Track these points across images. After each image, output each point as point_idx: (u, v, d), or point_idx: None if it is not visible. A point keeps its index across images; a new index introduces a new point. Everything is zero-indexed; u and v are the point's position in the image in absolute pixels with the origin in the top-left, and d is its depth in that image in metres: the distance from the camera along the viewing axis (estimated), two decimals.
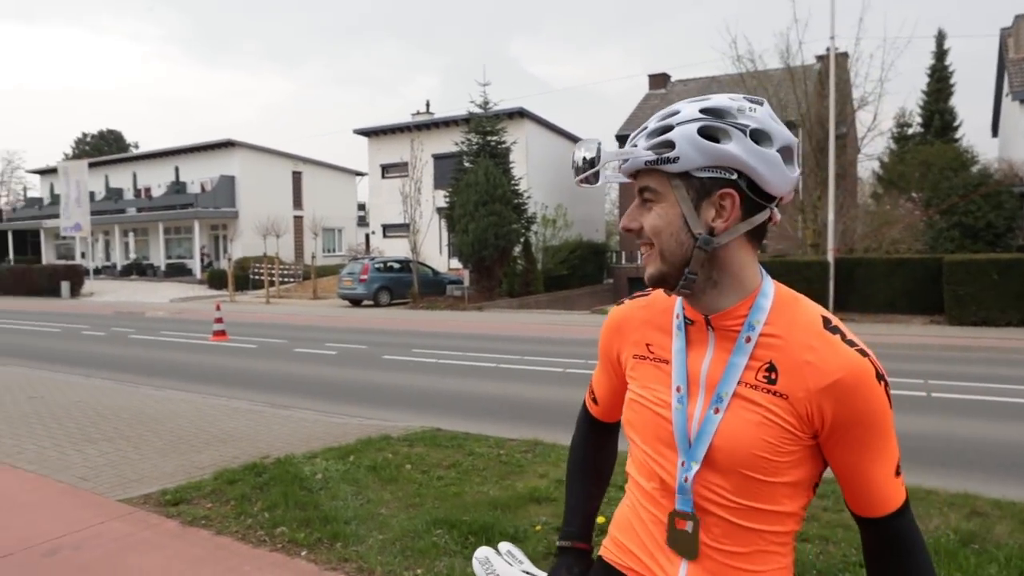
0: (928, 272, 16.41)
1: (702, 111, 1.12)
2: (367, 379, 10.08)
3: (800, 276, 16.84)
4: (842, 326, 1.13)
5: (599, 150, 1.14)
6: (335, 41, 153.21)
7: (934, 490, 4.61)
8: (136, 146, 65.30)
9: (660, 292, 1.28)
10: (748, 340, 1.13)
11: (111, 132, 67.18)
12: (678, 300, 1.24)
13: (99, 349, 13.95)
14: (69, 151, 64.45)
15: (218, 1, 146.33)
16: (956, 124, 34.90)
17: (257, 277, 31.24)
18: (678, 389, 1.18)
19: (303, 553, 3.80)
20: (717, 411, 1.13)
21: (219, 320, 15.29)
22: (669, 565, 1.19)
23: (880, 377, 1.08)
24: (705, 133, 1.09)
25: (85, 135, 66.68)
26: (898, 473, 1.13)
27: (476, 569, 1.51)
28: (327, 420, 7.08)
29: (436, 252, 31.18)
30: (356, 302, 25.13)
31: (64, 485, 5.02)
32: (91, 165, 41.06)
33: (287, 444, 5.98)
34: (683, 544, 1.17)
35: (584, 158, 1.15)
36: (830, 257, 17.12)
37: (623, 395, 1.32)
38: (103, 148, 62.02)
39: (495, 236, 23.11)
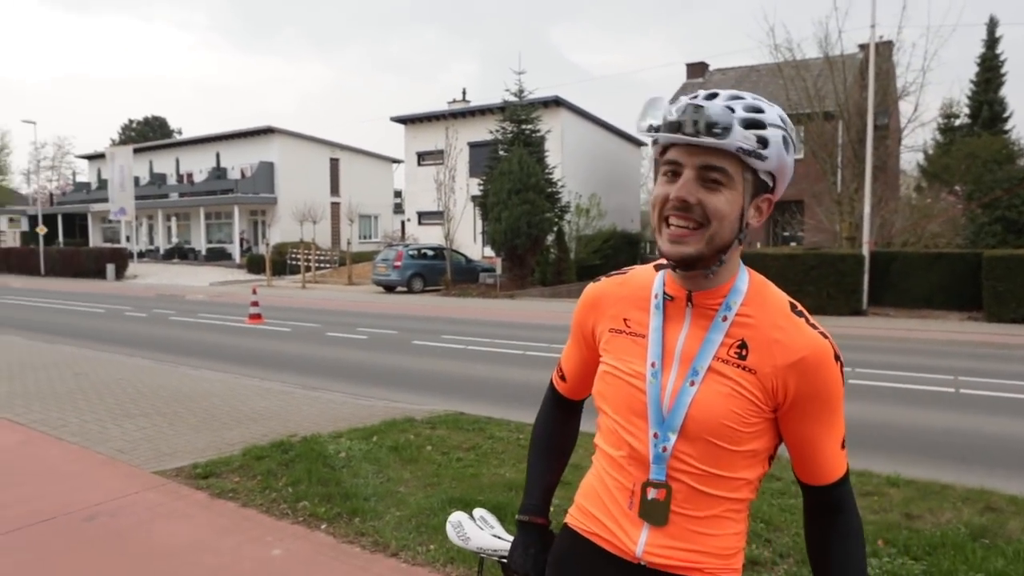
0: (967, 267, 16.07)
1: (782, 119, 1.19)
2: (396, 363, 10.29)
3: (833, 269, 16.62)
4: (805, 312, 1.26)
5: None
6: (374, 27, 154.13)
7: (950, 485, 4.61)
8: (179, 132, 66.73)
9: (637, 271, 1.35)
10: (725, 319, 1.22)
11: (156, 118, 68.69)
12: (657, 278, 1.30)
13: (141, 330, 14.41)
14: (116, 137, 66.12)
15: None
16: (1006, 115, 33.85)
17: (294, 262, 31.80)
18: (653, 364, 1.24)
19: (323, 526, 3.98)
20: (693, 383, 1.21)
21: (255, 304, 15.66)
22: (632, 529, 1.24)
23: (837, 358, 1.21)
24: (785, 143, 1.18)
25: (131, 121, 68.29)
26: (843, 447, 1.26)
27: (449, 532, 1.57)
28: (354, 402, 7.27)
29: (470, 240, 31.36)
30: (390, 288, 25.44)
31: (103, 456, 5.28)
32: (136, 151, 42.15)
33: (314, 424, 6.18)
34: (655, 512, 1.22)
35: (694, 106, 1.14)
36: (865, 251, 16.85)
37: (592, 371, 1.37)
38: (148, 134, 63.47)
39: (528, 225, 23.17)
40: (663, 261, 1.28)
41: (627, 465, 1.26)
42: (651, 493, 1.22)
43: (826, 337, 1.21)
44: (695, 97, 1.16)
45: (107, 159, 39.21)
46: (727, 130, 1.11)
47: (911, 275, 16.91)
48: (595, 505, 1.32)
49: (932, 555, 3.43)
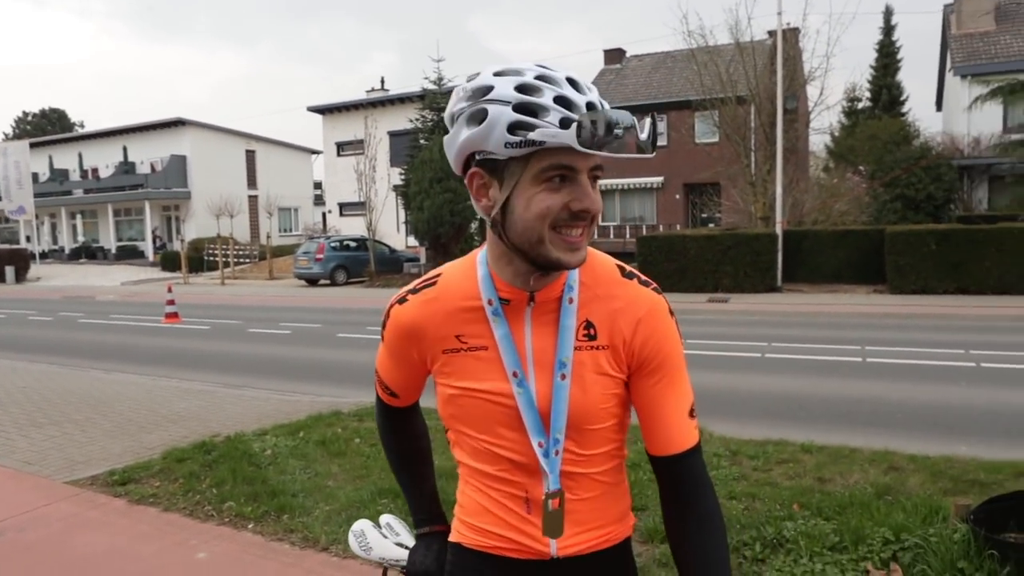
0: (872, 243, 16.93)
1: None
2: (321, 357, 10.11)
3: (749, 248, 17.23)
4: (635, 271, 1.23)
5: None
6: (290, 18, 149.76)
7: (858, 448, 4.88)
8: (82, 125, 63.24)
9: (446, 279, 1.22)
10: (571, 301, 1.17)
11: (54, 111, 64.92)
12: (481, 283, 1.18)
13: (46, 334, 13.67)
14: (9, 131, 62.16)
15: None
16: (903, 99, 35.78)
17: (211, 258, 30.70)
18: (515, 374, 1.16)
19: (250, 526, 3.90)
20: (564, 377, 1.16)
21: (171, 302, 15.08)
22: (534, 529, 1.21)
23: (672, 312, 1.20)
24: None
25: (26, 114, 64.37)
26: (692, 415, 1.21)
27: (351, 541, 1.51)
28: (279, 398, 7.12)
29: (393, 230, 31.00)
30: (312, 281, 24.93)
31: (8, 470, 5.01)
32: (33, 145, 39.64)
33: (238, 423, 6.02)
34: (554, 524, 1.20)
35: (649, 131, 1.05)
36: (778, 230, 17.53)
37: (422, 378, 1.32)
38: (46, 128, 59.93)
39: (451, 213, 23.08)
40: (478, 257, 1.21)
41: (511, 476, 1.21)
42: (549, 506, 1.19)
43: (659, 293, 1.20)
44: (560, 98, 1.02)
45: None
46: (628, 129, 1.02)
47: (821, 252, 17.70)
48: (487, 520, 1.25)
49: (842, 514, 3.62)
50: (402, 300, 1.25)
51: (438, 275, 1.25)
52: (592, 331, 1.17)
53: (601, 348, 1.17)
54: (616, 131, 1.01)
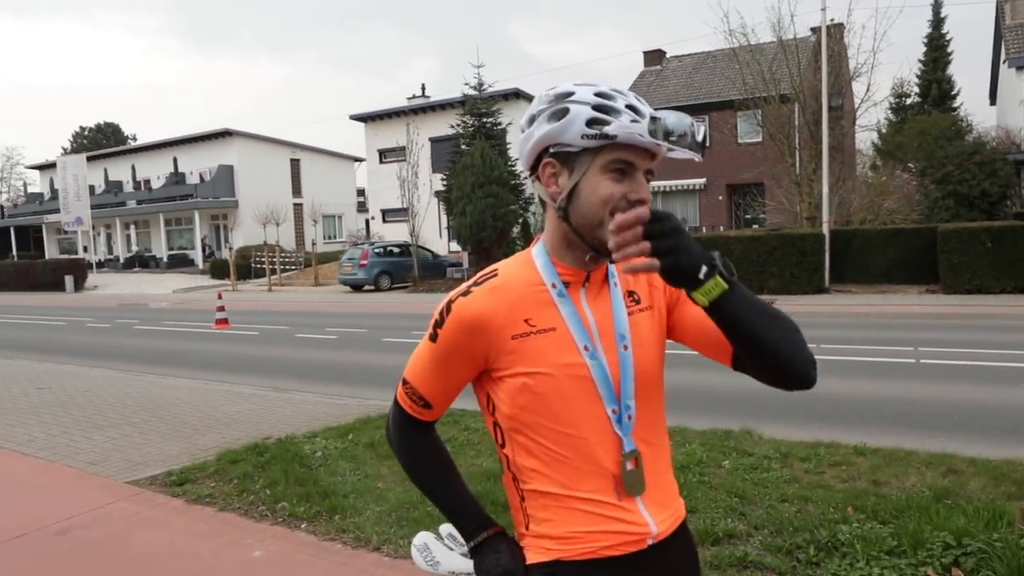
0: (923, 242, 16.49)
1: None
2: (367, 362, 10.25)
3: (795, 249, 16.93)
4: None
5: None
6: (330, 27, 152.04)
7: (914, 451, 4.75)
8: (134, 138, 65.25)
9: (507, 270, 1.30)
10: (616, 284, 1.33)
11: (108, 125, 67.16)
12: (542, 270, 1.29)
13: (104, 340, 14.13)
14: (67, 145, 64.52)
15: None
16: (954, 93, 34.79)
17: (258, 265, 31.38)
18: (586, 348, 1.26)
19: (303, 526, 3.98)
20: (626, 348, 1.29)
21: (221, 308, 15.44)
22: (630, 514, 1.25)
23: None
24: None
25: (83, 129, 66.69)
26: None
27: (415, 557, 1.44)
28: (327, 402, 7.24)
29: (435, 235, 31.26)
30: (357, 287, 25.27)
31: (73, 470, 5.20)
32: (90, 159, 41.10)
33: (288, 425, 6.14)
34: (634, 482, 1.25)
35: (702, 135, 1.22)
36: (825, 229, 17.19)
37: (462, 388, 1.33)
38: (101, 141, 62.03)
39: (493, 218, 23.18)
40: (534, 250, 1.32)
41: (594, 460, 1.24)
42: (628, 465, 1.25)
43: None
44: (631, 107, 1.20)
45: (58, 168, 38.20)
46: (682, 136, 1.20)
47: (870, 252, 17.30)
48: (579, 521, 1.25)
49: (899, 518, 3.54)
50: (465, 293, 1.28)
51: (495, 269, 1.32)
52: (636, 296, 1.34)
53: (647, 309, 1.34)
54: (672, 137, 1.19)
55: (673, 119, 1.19)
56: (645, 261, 1.12)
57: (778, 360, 1.23)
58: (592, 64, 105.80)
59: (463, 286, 1.30)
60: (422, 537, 1.45)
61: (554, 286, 1.28)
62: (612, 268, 1.33)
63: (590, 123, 1.20)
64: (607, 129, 1.18)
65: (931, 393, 6.90)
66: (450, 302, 1.28)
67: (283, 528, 3.97)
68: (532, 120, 1.27)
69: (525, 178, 26.40)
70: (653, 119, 1.19)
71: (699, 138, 1.20)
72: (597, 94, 1.22)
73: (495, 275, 1.30)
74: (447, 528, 1.45)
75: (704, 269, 1.16)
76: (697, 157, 1.23)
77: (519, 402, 1.24)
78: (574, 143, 1.21)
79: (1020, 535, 3.13)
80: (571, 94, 1.23)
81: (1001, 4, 27.76)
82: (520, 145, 1.30)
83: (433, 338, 1.29)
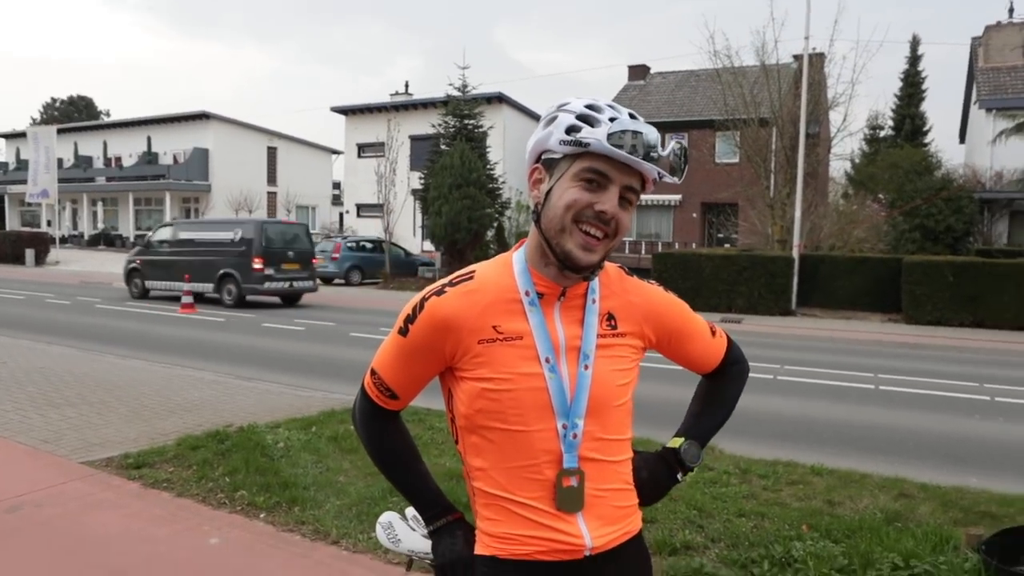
0: (889, 271, 16.86)
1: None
2: (333, 355, 10.18)
3: (765, 271, 17.19)
4: (629, 271, 1.45)
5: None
6: (318, 18, 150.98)
7: (868, 474, 4.87)
8: (107, 114, 64.05)
9: (484, 274, 1.31)
10: (594, 301, 1.34)
11: (82, 98, 65.78)
12: (519, 277, 1.30)
13: (64, 317, 13.82)
14: (37, 116, 63.04)
15: None
16: (926, 129, 35.63)
17: None
18: (547, 360, 1.27)
19: (262, 515, 3.94)
20: (587, 367, 1.30)
21: (188, 292, 15.22)
22: (567, 525, 1.27)
23: (667, 290, 1.47)
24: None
25: (54, 100, 65.27)
26: (714, 333, 1.53)
27: (378, 534, 1.49)
28: (292, 393, 7.18)
29: (409, 233, 31.14)
30: (327, 280, 25.03)
31: (26, 447, 5.09)
32: (60, 131, 40.12)
33: (251, 414, 6.08)
34: (570, 499, 1.27)
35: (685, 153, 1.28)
36: (795, 253, 17.49)
37: (429, 381, 1.36)
38: (73, 115, 60.73)
39: (468, 220, 23.17)
40: (514, 256, 1.34)
41: (541, 469, 1.26)
42: (566, 481, 1.26)
43: (651, 282, 1.45)
44: (615, 119, 1.22)
45: (29, 139, 37.24)
46: (661, 156, 1.22)
47: (837, 278, 17.63)
48: (517, 525, 1.28)
49: (851, 538, 3.63)
50: (439, 292, 1.30)
51: (472, 271, 1.34)
52: (613, 322, 1.35)
53: (621, 335, 1.36)
54: (652, 154, 1.21)
55: (653, 135, 1.22)
56: None
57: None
58: (577, 74, 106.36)
59: (438, 284, 1.33)
60: (387, 516, 1.50)
61: (527, 294, 1.30)
62: (593, 285, 1.34)
63: (569, 130, 1.22)
64: (580, 136, 1.21)
65: (888, 419, 7.06)
66: (423, 299, 1.31)
67: (241, 517, 3.93)
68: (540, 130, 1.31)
69: (503, 182, 26.51)
70: (634, 133, 1.20)
71: (674, 156, 1.25)
72: (587, 106, 1.25)
73: (471, 277, 1.32)
74: (412, 511, 1.49)
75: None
76: (672, 178, 1.28)
77: (476, 405, 1.27)
78: (556, 149, 1.25)
79: (964, 559, 3.23)
80: (566, 104, 1.27)
81: (975, 47, 28.57)
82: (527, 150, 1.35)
83: (403, 332, 1.32)
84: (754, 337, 13.72)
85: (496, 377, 1.25)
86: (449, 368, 1.32)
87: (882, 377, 9.28)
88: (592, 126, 1.21)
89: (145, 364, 8.61)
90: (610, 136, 1.19)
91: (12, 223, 44.62)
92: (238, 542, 3.60)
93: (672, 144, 1.26)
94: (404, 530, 1.48)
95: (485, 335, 1.26)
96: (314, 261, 17.86)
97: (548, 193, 1.25)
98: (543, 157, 1.28)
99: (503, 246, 25.57)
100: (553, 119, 1.25)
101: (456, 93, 26.22)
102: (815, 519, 3.91)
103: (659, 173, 1.24)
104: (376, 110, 33.83)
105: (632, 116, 1.25)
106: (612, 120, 1.21)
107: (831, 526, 3.79)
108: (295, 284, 16.67)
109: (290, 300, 17.25)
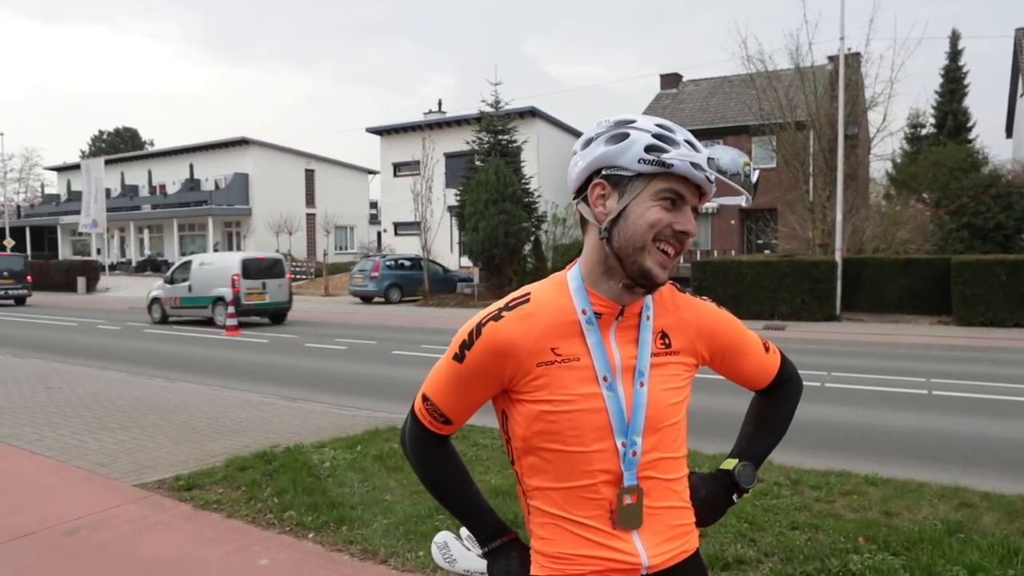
0: (936, 272, 16.40)
1: None
2: (376, 373, 10.25)
3: (807, 276, 16.87)
4: (681, 287, 1.45)
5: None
6: (350, 40, 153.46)
7: (926, 483, 4.71)
8: (151, 144, 65.99)
9: (538, 296, 1.31)
10: (648, 318, 1.34)
11: (127, 130, 67.91)
12: (575, 297, 1.30)
13: (114, 343, 14.20)
14: (86, 149, 65.27)
15: (236, 0, 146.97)
16: (970, 125, 34.74)
17: None
18: (605, 379, 1.27)
19: (310, 535, 3.97)
20: (642, 385, 1.30)
21: (232, 315, 15.51)
22: (623, 544, 1.27)
23: (720, 305, 1.46)
24: None
25: (101, 132, 67.48)
26: (767, 349, 1.51)
27: (434, 554, 1.51)
28: (336, 412, 7.24)
29: (447, 250, 31.35)
30: (367, 299, 25.34)
31: (82, 471, 5.21)
32: (107, 162, 41.49)
33: (297, 434, 6.14)
34: (630, 517, 1.27)
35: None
36: (838, 257, 17.13)
37: (482, 405, 1.35)
38: (119, 146, 62.70)
39: (505, 234, 23.22)
40: (569, 274, 1.34)
41: (599, 488, 1.27)
42: (626, 500, 1.27)
43: (705, 298, 1.45)
44: (690, 142, 1.27)
45: (82, 170, 38.55)
46: (735, 176, 1.31)
47: (882, 281, 17.22)
48: (573, 544, 1.29)
49: (911, 550, 3.51)
50: (496, 317, 1.29)
51: (527, 293, 1.33)
52: (667, 340, 1.35)
53: (675, 353, 1.36)
54: (725, 175, 1.30)
55: (727, 158, 1.28)
56: None
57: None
58: (609, 86, 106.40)
59: (493, 308, 1.31)
60: (442, 536, 1.51)
61: (584, 312, 1.30)
62: (648, 301, 1.34)
63: (649, 149, 1.23)
64: (665, 157, 1.22)
65: (943, 425, 6.83)
66: (480, 324, 1.29)
67: (290, 537, 3.96)
68: (588, 143, 1.30)
69: (538, 196, 26.54)
70: (710, 157, 1.25)
71: (753, 179, 1.30)
72: (659, 124, 1.27)
73: (527, 300, 1.30)
74: (467, 531, 1.49)
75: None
76: (745, 201, 1.32)
77: (534, 427, 1.27)
78: (630, 167, 1.25)
79: None
80: (632, 121, 1.27)
81: (1019, 38, 27.78)
82: (570, 168, 1.34)
83: (459, 358, 1.31)
84: (799, 344, 13.45)
85: (555, 399, 1.26)
86: (504, 391, 1.32)
87: (935, 382, 9.01)
88: (672, 147, 1.24)
89: (193, 386, 8.78)
90: (693, 157, 1.23)
91: (64, 252, 46.16)
92: (288, 563, 3.63)
93: (739, 163, 1.33)
94: (459, 550, 1.48)
95: (544, 357, 1.27)
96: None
97: (623, 211, 1.25)
98: (606, 172, 1.27)
99: (540, 260, 25.57)
100: (623, 136, 1.25)
101: (489, 109, 26.39)
102: (872, 531, 3.79)
103: (748, 197, 1.32)
104: (410, 129, 34.23)
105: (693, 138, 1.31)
106: (686, 142, 1.25)
107: (889, 538, 3.67)
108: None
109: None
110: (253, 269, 17.03)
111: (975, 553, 3.37)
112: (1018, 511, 4.11)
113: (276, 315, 17.96)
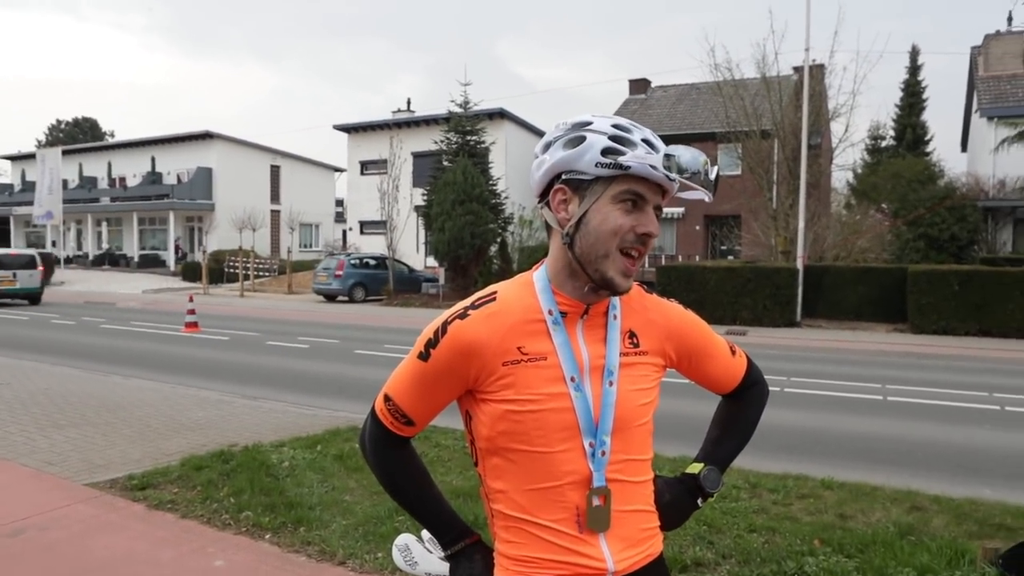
0: (893, 281, 16.80)
1: None
2: (338, 372, 10.14)
3: (769, 282, 17.14)
4: (648, 288, 1.44)
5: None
6: (320, 36, 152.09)
7: (880, 486, 4.81)
8: (112, 135, 64.38)
9: (505, 295, 1.29)
10: (615, 317, 1.33)
11: (86, 120, 66.21)
12: (541, 297, 1.28)
13: (68, 338, 13.83)
14: (42, 138, 63.46)
15: None
16: (927, 138, 35.70)
17: (232, 270, 31.01)
18: (572, 379, 1.25)
19: (267, 536, 3.90)
20: (611, 384, 1.29)
21: (191, 312, 15.22)
22: (589, 548, 1.26)
23: (687, 308, 1.46)
24: None
25: (59, 122, 65.67)
26: (733, 352, 1.51)
27: (395, 556, 1.48)
28: (296, 411, 7.15)
29: (413, 250, 31.17)
30: (331, 297, 25.07)
31: (30, 469, 5.06)
32: (65, 153, 40.50)
33: (255, 433, 6.04)
34: (599, 519, 1.26)
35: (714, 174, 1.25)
36: (799, 264, 17.45)
37: (445, 407, 1.34)
38: (77, 136, 61.12)
39: (471, 235, 23.18)
40: (535, 275, 1.31)
41: (565, 491, 1.25)
42: (594, 501, 1.25)
43: (671, 300, 1.45)
44: (647, 140, 1.23)
45: (37, 160, 37.55)
46: (695, 174, 1.23)
47: (842, 288, 17.58)
48: (538, 549, 1.27)
49: (864, 552, 3.57)
50: (463, 315, 1.27)
51: (494, 292, 1.31)
52: (635, 339, 1.34)
53: (643, 353, 1.35)
54: (685, 174, 1.23)
55: (687, 156, 1.22)
56: None
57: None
58: (578, 89, 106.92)
59: (459, 307, 1.29)
60: (404, 538, 1.48)
61: (550, 312, 1.28)
62: (615, 301, 1.33)
63: (605, 152, 1.21)
64: (622, 159, 1.20)
65: (897, 430, 6.99)
66: (446, 323, 1.27)
67: (246, 538, 3.89)
68: (547, 147, 1.28)
69: (505, 198, 26.55)
70: (667, 155, 1.22)
71: (712, 177, 1.23)
72: (615, 126, 1.24)
73: (493, 299, 1.29)
74: (429, 533, 1.47)
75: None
76: (708, 197, 1.25)
77: (499, 427, 1.25)
78: (588, 171, 1.22)
79: (982, 573, 3.17)
80: (589, 123, 1.25)
81: (975, 56, 28.63)
82: (532, 171, 1.32)
83: (423, 357, 1.28)
84: (760, 349, 13.65)
85: (520, 399, 1.24)
86: (469, 391, 1.30)
87: (890, 388, 9.22)
88: (628, 148, 1.21)
89: (149, 384, 8.58)
90: (651, 158, 1.21)
91: (17, 244, 44.74)
92: (243, 564, 3.56)
93: (700, 161, 1.25)
94: (421, 553, 1.45)
95: (510, 357, 1.25)
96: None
97: (584, 216, 1.23)
98: (566, 177, 1.25)
99: (506, 261, 25.57)
100: (580, 140, 1.23)
101: (458, 109, 26.33)
102: (827, 533, 3.86)
103: (709, 194, 1.25)
104: (378, 127, 33.98)
105: (651, 135, 1.26)
106: (644, 141, 1.22)
107: (843, 540, 3.73)
108: None
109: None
110: (6, 263, 21.58)
111: (925, 555, 3.45)
112: (966, 514, 4.22)
113: (29, 297, 22.12)
